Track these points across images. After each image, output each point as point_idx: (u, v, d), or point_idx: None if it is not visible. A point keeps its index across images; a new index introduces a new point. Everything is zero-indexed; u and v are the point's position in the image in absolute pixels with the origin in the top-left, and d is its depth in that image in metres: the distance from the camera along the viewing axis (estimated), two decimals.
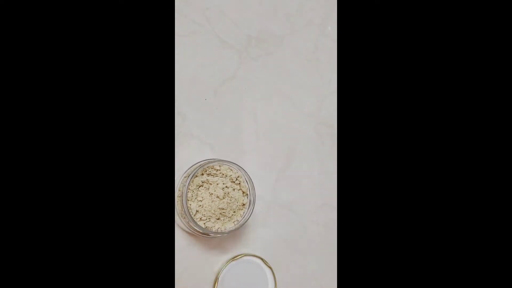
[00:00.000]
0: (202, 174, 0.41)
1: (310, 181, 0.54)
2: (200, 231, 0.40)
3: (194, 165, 0.42)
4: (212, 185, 0.41)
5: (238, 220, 0.42)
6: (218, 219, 0.41)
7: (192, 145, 0.48)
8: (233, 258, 0.46)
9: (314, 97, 0.56)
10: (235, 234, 0.49)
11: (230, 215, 0.41)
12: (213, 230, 0.40)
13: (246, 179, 0.42)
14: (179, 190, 0.40)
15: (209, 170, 0.41)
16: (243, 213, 0.42)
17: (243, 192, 0.42)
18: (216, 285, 0.45)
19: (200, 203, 0.40)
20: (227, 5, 0.54)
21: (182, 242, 0.46)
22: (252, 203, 0.42)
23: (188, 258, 0.46)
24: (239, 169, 0.42)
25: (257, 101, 0.53)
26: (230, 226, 0.41)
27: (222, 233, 0.41)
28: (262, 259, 0.47)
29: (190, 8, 0.51)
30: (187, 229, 0.43)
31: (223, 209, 0.41)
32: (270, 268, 0.48)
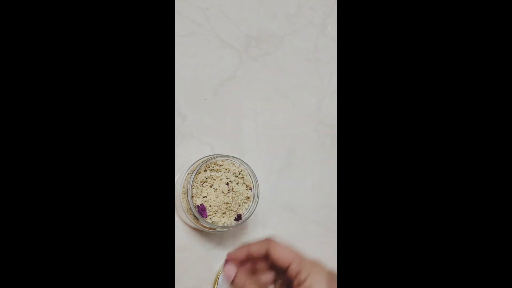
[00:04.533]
0: (205, 170, 0.41)
1: (310, 181, 0.54)
2: (207, 226, 0.40)
3: (197, 161, 0.42)
4: (216, 181, 0.41)
5: (243, 214, 0.42)
6: (224, 213, 0.41)
7: (192, 145, 0.48)
8: None
9: (314, 97, 0.56)
10: (235, 234, 0.49)
11: (236, 209, 0.42)
12: (220, 224, 0.41)
13: (249, 172, 0.42)
14: (184, 187, 0.41)
15: (212, 165, 0.42)
16: (248, 206, 0.42)
17: (247, 186, 0.43)
18: (216, 285, 0.45)
19: (205, 199, 0.41)
20: (227, 5, 0.54)
21: (182, 243, 0.46)
22: (256, 196, 0.42)
23: (188, 258, 0.46)
24: (242, 163, 0.42)
25: (257, 101, 0.53)
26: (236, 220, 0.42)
27: (228, 227, 0.41)
28: None
29: (190, 8, 0.51)
30: (193, 225, 0.43)
31: (228, 203, 0.41)
32: None
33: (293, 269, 0.33)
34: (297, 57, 0.57)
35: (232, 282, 0.35)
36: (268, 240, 0.34)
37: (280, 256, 0.33)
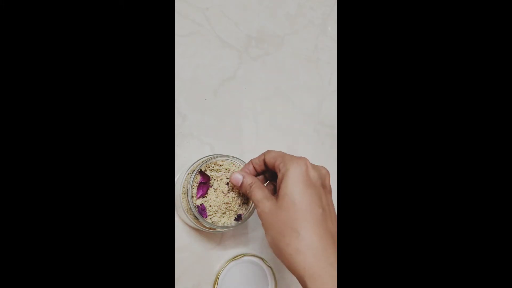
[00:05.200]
0: (206, 170, 0.41)
1: None
2: (207, 226, 0.40)
3: (197, 161, 0.42)
4: (216, 181, 0.41)
5: (243, 214, 0.42)
6: (224, 213, 0.41)
7: (192, 145, 0.48)
8: (233, 258, 0.46)
9: (314, 97, 0.56)
10: (235, 234, 0.49)
11: (236, 209, 0.42)
12: (220, 224, 0.41)
13: None
14: (184, 187, 0.41)
15: (212, 165, 0.42)
16: (248, 206, 0.42)
17: None
18: (216, 285, 0.45)
19: (205, 199, 0.41)
20: (227, 5, 0.54)
21: (182, 243, 0.46)
22: None
23: (188, 258, 0.46)
24: (242, 163, 0.42)
25: (257, 101, 0.53)
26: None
27: (228, 227, 0.41)
28: (262, 259, 0.47)
29: (190, 8, 0.51)
30: (193, 225, 0.43)
31: (228, 203, 0.41)
32: (270, 268, 0.48)
33: (277, 165, 0.36)
34: (297, 57, 0.57)
35: (241, 186, 0.38)
36: (265, 151, 0.38)
37: (270, 157, 0.37)
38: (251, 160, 0.39)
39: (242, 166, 0.42)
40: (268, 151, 0.38)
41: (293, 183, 0.33)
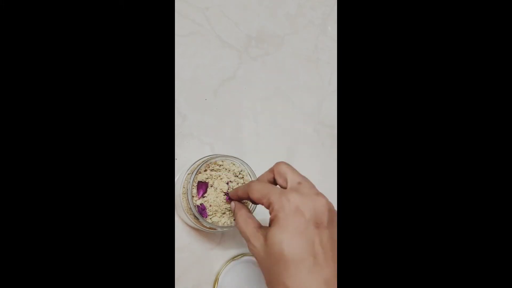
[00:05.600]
0: (205, 170, 0.41)
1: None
2: (207, 226, 0.40)
3: (197, 161, 0.42)
4: (216, 180, 0.41)
5: None
6: (224, 213, 0.41)
7: (192, 145, 0.48)
8: (233, 258, 0.46)
9: (314, 97, 0.56)
10: (235, 234, 0.49)
11: None
12: (220, 224, 0.41)
13: (249, 172, 0.42)
14: (184, 187, 0.41)
15: (212, 165, 0.42)
16: (248, 206, 0.42)
17: None
18: (216, 285, 0.45)
19: (205, 199, 0.41)
20: (227, 5, 0.54)
21: (182, 243, 0.46)
22: None
23: (188, 258, 0.46)
24: (242, 163, 0.42)
25: (257, 101, 0.53)
26: None
27: (228, 227, 0.41)
28: None
29: (190, 8, 0.51)
30: (193, 225, 0.43)
31: (228, 203, 0.41)
32: None
33: (265, 203, 0.34)
34: (297, 57, 0.57)
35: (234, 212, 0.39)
36: (249, 183, 0.37)
37: (255, 191, 0.35)
38: (237, 189, 0.38)
39: (242, 166, 0.42)
40: (251, 184, 0.36)
41: (282, 231, 0.31)
